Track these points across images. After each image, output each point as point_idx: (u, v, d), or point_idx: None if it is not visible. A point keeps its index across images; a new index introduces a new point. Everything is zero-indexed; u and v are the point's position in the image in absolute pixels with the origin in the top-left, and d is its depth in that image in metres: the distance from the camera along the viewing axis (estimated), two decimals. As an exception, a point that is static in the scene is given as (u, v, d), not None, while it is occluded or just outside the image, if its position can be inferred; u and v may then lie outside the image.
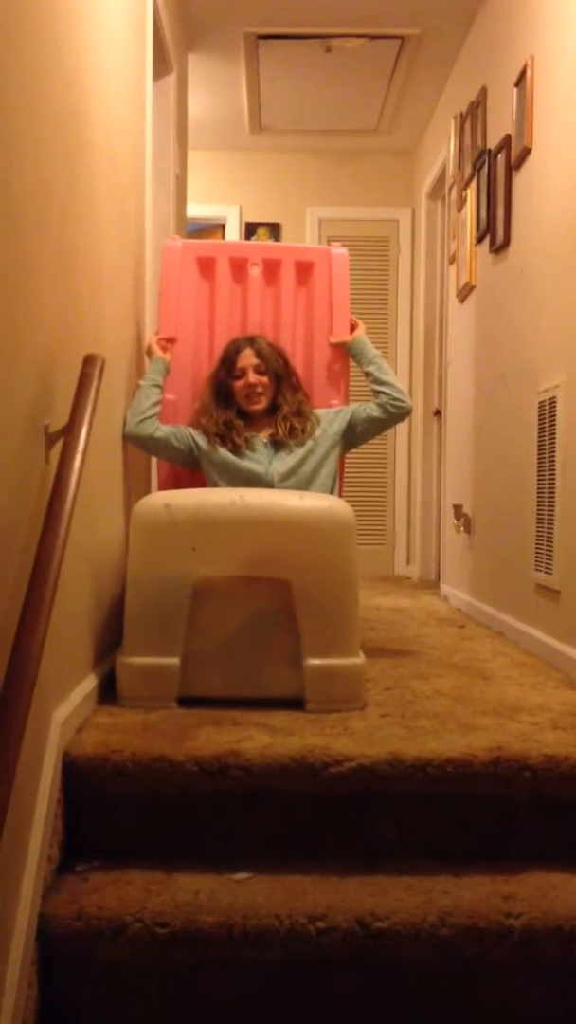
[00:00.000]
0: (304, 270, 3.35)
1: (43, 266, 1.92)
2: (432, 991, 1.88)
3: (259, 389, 3.07)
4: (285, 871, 1.99)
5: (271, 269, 3.36)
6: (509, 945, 1.84)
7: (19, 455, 1.77)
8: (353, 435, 3.15)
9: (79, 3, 2.27)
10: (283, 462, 3.01)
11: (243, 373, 3.07)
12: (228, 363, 3.10)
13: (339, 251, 3.37)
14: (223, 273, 3.34)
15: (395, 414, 3.15)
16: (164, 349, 3.14)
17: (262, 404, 3.09)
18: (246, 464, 3.00)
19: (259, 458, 3.02)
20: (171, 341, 3.20)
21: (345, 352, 3.27)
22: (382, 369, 3.17)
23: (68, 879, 1.95)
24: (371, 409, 3.13)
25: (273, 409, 3.11)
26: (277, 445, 3.05)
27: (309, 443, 3.05)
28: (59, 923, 1.81)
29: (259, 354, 3.08)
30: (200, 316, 3.32)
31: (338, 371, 3.29)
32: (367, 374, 3.18)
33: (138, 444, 3.03)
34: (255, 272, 3.34)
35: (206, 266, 3.34)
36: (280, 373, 3.11)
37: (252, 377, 3.06)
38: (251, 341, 3.11)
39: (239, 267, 3.35)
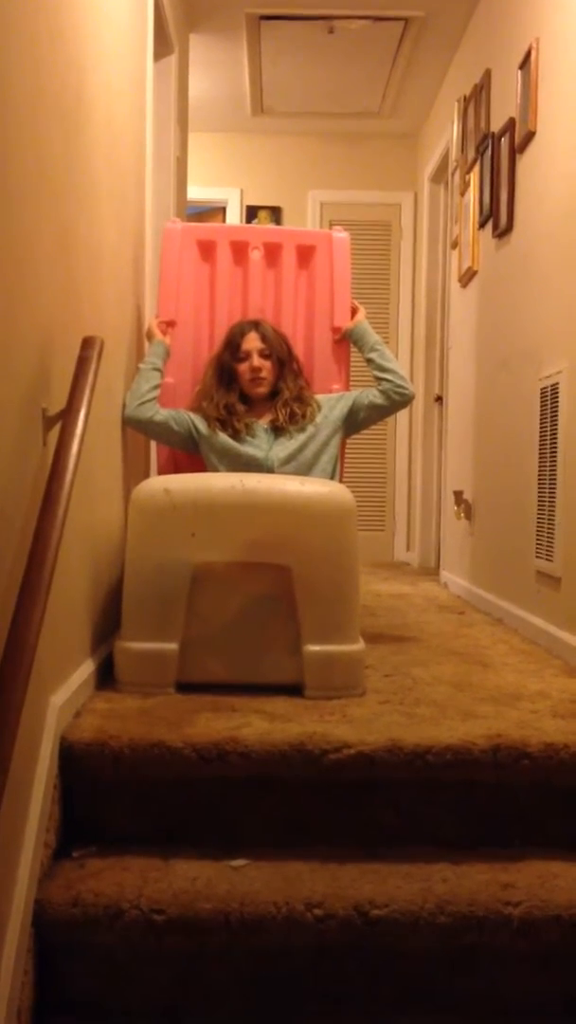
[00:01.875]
0: (305, 254, 3.33)
1: (41, 247, 1.90)
2: (430, 979, 1.87)
3: (263, 373, 3.06)
4: (283, 858, 1.98)
5: (272, 253, 3.33)
6: (508, 933, 1.84)
7: (17, 438, 1.75)
8: (355, 421, 3.14)
9: (79, -20, 2.24)
10: (283, 447, 3.00)
11: (247, 356, 3.06)
12: (232, 345, 3.08)
13: (340, 235, 3.34)
14: (224, 256, 3.31)
15: (398, 401, 3.13)
16: (164, 332, 3.13)
17: (264, 388, 3.08)
18: (246, 449, 2.98)
19: (259, 443, 3.01)
20: (171, 324, 3.18)
21: (346, 337, 3.24)
22: (384, 356, 3.15)
23: (64, 865, 1.94)
24: (373, 396, 3.12)
25: (274, 394, 3.09)
26: (277, 431, 3.03)
27: (310, 429, 3.04)
28: (55, 909, 1.80)
29: (264, 338, 3.07)
30: (200, 299, 3.30)
31: (339, 356, 3.27)
32: (369, 361, 3.16)
33: (137, 427, 3.01)
34: (256, 256, 3.32)
35: (207, 249, 3.31)
36: (283, 358, 3.10)
37: (256, 360, 3.05)
38: (256, 325, 3.10)
39: (240, 250, 3.32)
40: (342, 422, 3.10)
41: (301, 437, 3.02)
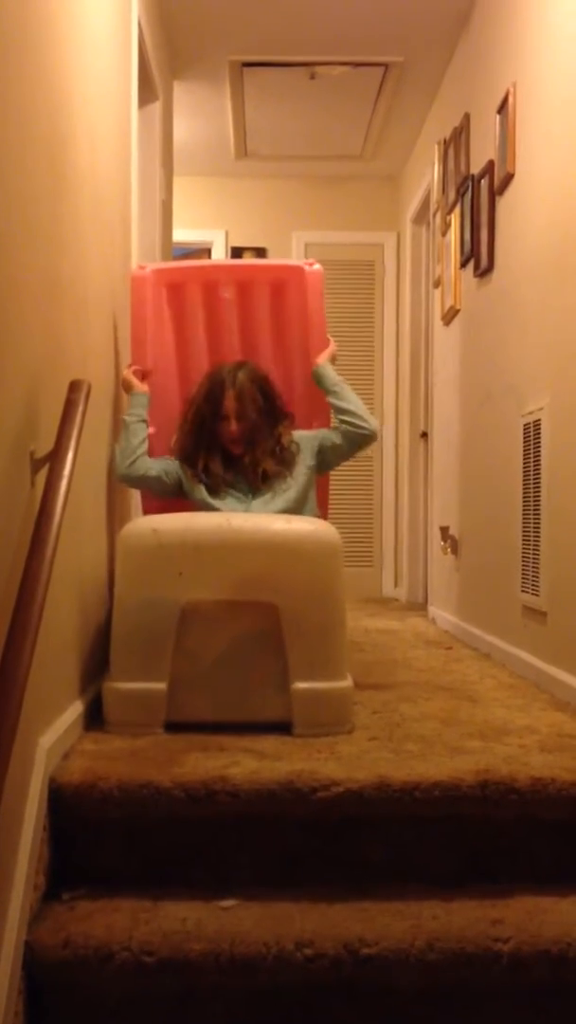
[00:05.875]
0: (278, 288, 3.25)
1: (29, 289, 1.93)
2: (421, 1017, 1.87)
3: (237, 435, 2.99)
4: (273, 897, 1.98)
5: (244, 288, 3.26)
6: (498, 970, 1.83)
7: (5, 480, 1.77)
8: (324, 460, 3.09)
9: (66, 29, 2.29)
10: (264, 503, 2.95)
11: (227, 417, 2.97)
12: (213, 400, 2.99)
13: (313, 268, 3.19)
14: (195, 297, 3.25)
15: (357, 441, 3.07)
16: (141, 379, 3.03)
17: (240, 448, 3.01)
18: (227, 505, 2.94)
19: (239, 496, 2.97)
20: (147, 374, 3.07)
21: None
22: (340, 395, 3.06)
23: (54, 907, 1.93)
24: (335, 437, 3.07)
25: (250, 448, 3.01)
26: (255, 491, 2.98)
27: (288, 481, 2.98)
28: (45, 952, 1.80)
29: (239, 397, 2.96)
30: (178, 343, 3.24)
31: (317, 392, 3.14)
32: (330, 403, 3.09)
33: (130, 484, 3.00)
34: (228, 294, 3.25)
35: (178, 291, 3.24)
36: (255, 420, 2.98)
37: (234, 424, 2.97)
38: (234, 380, 2.98)
39: (211, 290, 3.25)
40: (314, 462, 3.06)
41: (281, 499, 2.95)
